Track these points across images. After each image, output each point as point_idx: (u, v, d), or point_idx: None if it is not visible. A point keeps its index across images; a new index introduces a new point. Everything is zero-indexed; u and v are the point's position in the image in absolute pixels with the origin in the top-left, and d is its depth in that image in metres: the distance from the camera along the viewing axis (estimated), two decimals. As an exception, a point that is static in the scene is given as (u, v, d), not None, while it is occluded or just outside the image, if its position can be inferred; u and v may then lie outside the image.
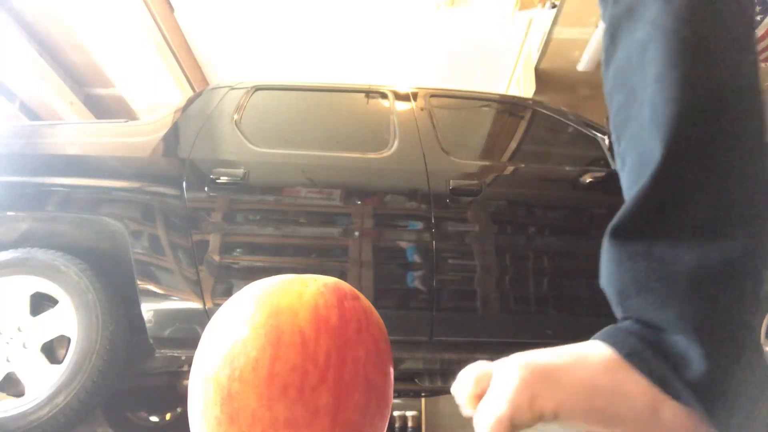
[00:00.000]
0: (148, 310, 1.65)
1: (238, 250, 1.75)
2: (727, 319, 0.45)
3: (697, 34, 0.49)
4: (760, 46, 1.49)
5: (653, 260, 0.48)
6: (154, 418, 2.37)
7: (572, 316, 1.76)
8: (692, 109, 0.48)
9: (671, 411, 0.43)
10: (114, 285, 1.72)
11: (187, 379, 0.43)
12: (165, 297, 1.67)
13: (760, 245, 0.47)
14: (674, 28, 0.49)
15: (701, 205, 0.48)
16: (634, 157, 0.51)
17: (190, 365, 0.44)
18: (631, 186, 0.51)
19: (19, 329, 1.60)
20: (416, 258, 1.75)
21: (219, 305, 0.54)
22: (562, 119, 2.09)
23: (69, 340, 1.60)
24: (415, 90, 2.18)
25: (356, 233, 1.75)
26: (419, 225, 1.76)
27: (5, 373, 1.56)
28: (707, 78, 0.49)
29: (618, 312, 0.52)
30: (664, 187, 0.48)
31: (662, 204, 0.48)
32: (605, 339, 0.50)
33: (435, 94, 2.19)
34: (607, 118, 0.58)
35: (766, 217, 0.48)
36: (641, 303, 0.48)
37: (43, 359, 1.58)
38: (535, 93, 3.30)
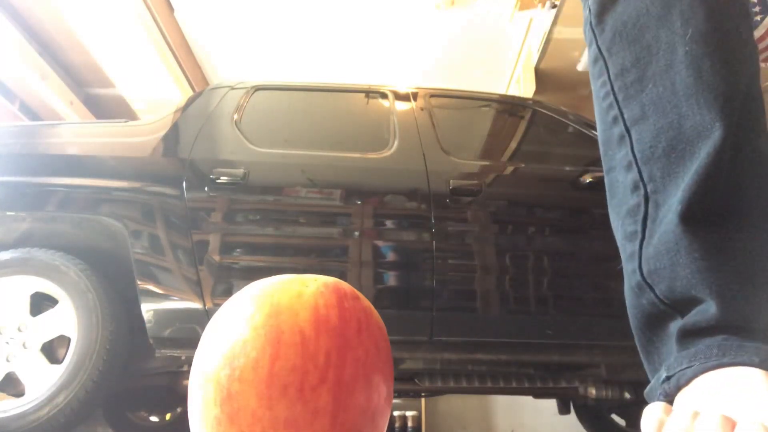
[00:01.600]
0: (148, 310, 1.65)
1: (238, 250, 1.75)
2: None
3: None
4: (760, 46, 1.49)
5: (755, 250, 0.41)
6: (154, 418, 2.37)
7: (572, 316, 1.76)
8: (750, 77, 0.43)
9: None
10: (114, 285, 1.72)
11: (187, 379, 0.43)
12: (165, 297, 1.67)
13: None
14: None
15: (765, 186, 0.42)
16: (664, 126, 0.45)
17: (190, 365, 0.44)
18: (655, 158, 0.45)
19: (19, 329, 1.60)
20: (416, 258, 1.75)
21: (219, 305, 0.54)
22: (562, 119, 2.09)
23: (69, 340, 1.60)
24: (415, 90, 2.18)
25: (356, 233, 1.75)
26: (419, 225, 1.76)
27: (5, 373, 1.56)
28: (744, 42, 0.44)
29: (713, 313, 0.41)
30: (730, 165, 0.42)
31: (733, 185, 0.42)
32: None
33: (435, 94, 2.19)
34: (608, 80, 0.50)
35: None
36: (754, 302, 0.41)
37: (43, 359, 1.58)
38: (535, 93, 3.30)
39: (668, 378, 0.42)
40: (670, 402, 0.42)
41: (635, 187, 0.47)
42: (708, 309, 0.42)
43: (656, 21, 0.45)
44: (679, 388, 0.41)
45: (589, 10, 0.52)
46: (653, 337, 0.46)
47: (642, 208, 0.47)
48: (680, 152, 0.44)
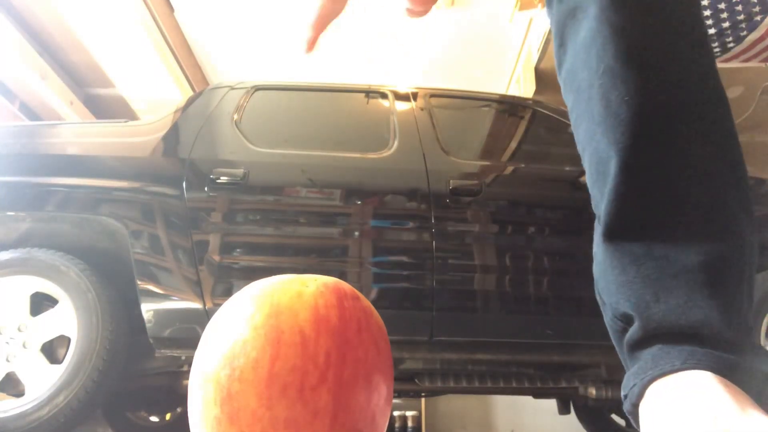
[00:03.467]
0: (148, 310, 1.65)
1: (238, 250, 1.75)
2: (745, 311, 0.43)
3: (643, 25, 0.47)
4: (760, 46, 1.49)
5: (660, 259, 0.44)
6: (154, 418, 2.37)
7: (572, 316, 1.76)
8: (648, 104, 0.46)
9: None
10: (114, 285, 1.72)
11: (187, 379, 0.44)
12: (165, 297, 1.67)
13: (740, 242, 0.44)
14: (618, 22, 0.47)
15: (685, 200, 0.45)
16: (591, 154, 0.50)
17: (190, 365, 0.44)
18: (593, 184, 0.50)
19: (19, 329, 1.60)
20: (416, 258, 1.75)
21: (219, 305, 0.54)
22: (562, 119, 2.09)
23: (69, 340, 1.60)
24: (415, 90, 2.18)
25: (356, 233, 1.75)
26: (419, 225, 1.76)
27: (5, 373, 1.56)
28: (660, 69, 0.46)
29: (637, 325, 0.45)
30: (630, 186, 0.46)
31: (644, 201, 0.46)
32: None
33: (435, 94, 2.19)
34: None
35: (745, 204, 0.45)
36: (666, 308, 0.43)
37: (43, 359, 1.58)
38: (535, 93, 3.30)
39: (625, 397, 0.44)
40: (637, 417, 0.44)
41: (596, 215, 0.52)
42: (633, 322, 0.45)
43: (582, 64, 0.50)
44: (635, 406, 0.43)
45: (555, 63, 0.58)
46: (623, 352, 0.49)
47: (597, 232, 0.51)
48: (602, 176, 0.48)
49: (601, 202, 0.49)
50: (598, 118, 0.48)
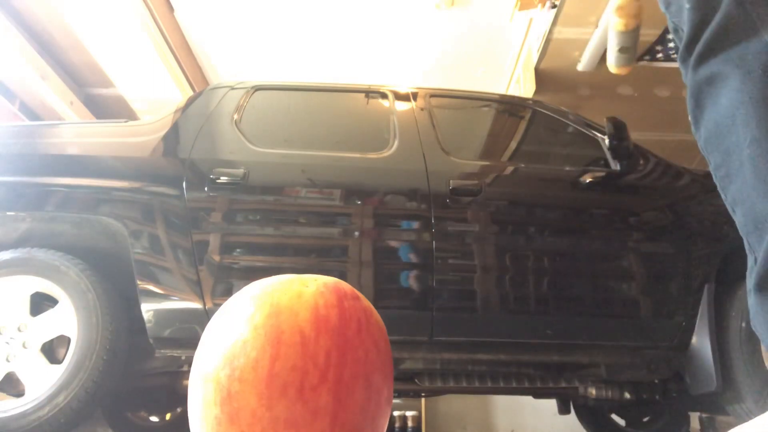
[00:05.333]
0: (148, 310, 1.65)
1: (238, 250, 1.75)
2: None
3: None
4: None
5: None
6: (154, 418, 2.37)
7: (572, 316, 1.76)
8: None
9: None
10: (114, 285, 1.72)
11: (187, 379, 0.44)
12: (165, 297, 1.67)
13: None
14: (759, 95, 0.54)
15: None
16: (746, 211, 0.57)
17: (190, 365, 0.44)
18: (748, 233, 0.58)
19: (19, 329, 1.60)
20: (416, 258, 1.75)
21: (219, 305, 0.54)
22: (562, 119, 2.09)
23: (69, 340, 1.60)
24: (415, 90, 2.18)
25: (356, 233, 1.75)
26: (419, 225, 1.76)
27: (5, 373, 1.56)
28: None
29: None
30: None
31: None
32: None
33: (435, 94, 2.19)
34: (712, 170, 0.63)
35: None
36: None
37: (43, 359, 1.58)
38: (535, 93, 3.30)
39: None
40: None
41: (748, 251, 0.60)
42: None
43: (727, 130, 0.58)
44: None
45: (689, 117, 0.65)
46: None
47: (749, 281, 0.59)
48: (759, 231, 0.56)
49: (758, 252, 0.57)
50: (750, 182, 0.55)
